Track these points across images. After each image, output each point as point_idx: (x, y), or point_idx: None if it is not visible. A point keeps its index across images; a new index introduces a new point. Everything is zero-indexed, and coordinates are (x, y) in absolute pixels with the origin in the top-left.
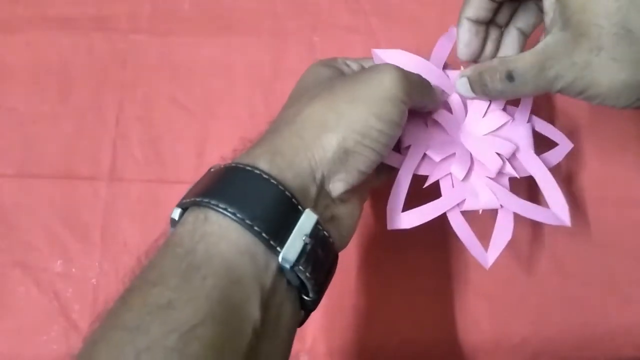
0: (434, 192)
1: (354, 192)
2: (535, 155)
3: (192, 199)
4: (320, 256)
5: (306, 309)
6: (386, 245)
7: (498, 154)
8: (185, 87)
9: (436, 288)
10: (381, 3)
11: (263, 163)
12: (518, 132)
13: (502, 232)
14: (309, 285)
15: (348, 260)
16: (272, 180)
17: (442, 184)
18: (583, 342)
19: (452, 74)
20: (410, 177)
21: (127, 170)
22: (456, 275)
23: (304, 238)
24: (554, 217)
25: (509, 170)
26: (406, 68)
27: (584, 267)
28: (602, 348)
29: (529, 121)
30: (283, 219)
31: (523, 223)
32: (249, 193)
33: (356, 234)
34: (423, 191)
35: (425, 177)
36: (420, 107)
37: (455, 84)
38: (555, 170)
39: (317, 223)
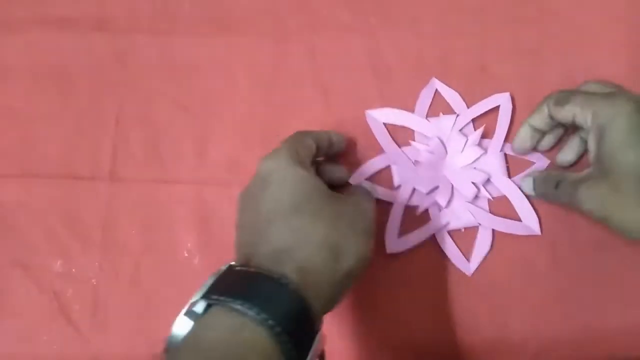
0: (425, 217)
1: None
2: (507, 179)
3: (223, 299)
4: None
5: None
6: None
7: (474, 183)
8: (185, 87)
9: (436, 288)
10: (381, 3)
11: (295, 277)
12: (491, 161)
13: (482, 245)
14: None
15: None
16: (303, 301)
17: (430, 211)
18: (583, 342)
19: (434, 120)
20: (402, 208)
21: (127, 170)
22: (456, 275)
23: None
24: (526, 229)
25: (485, 193)
26: (394, 122)
27: (584, 267)
28: (602, 348)
29: (502, 150)
30: (307, 339)
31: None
32: (282, 307)
33: None
34: (416, 218)
35: (416, 207)
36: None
37: (522, 183)
38: None
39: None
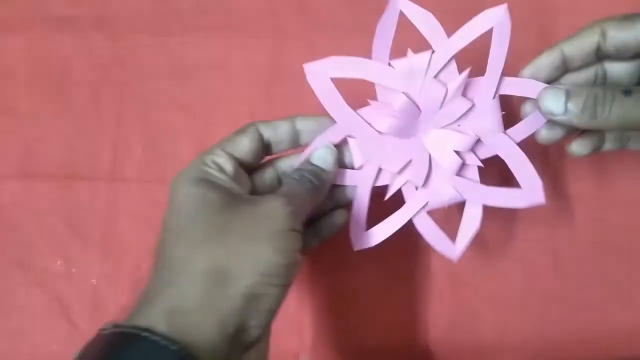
0: (399, 199)
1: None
2: (503, 135)
3: None
4: None
5: None
6: (386, 245)
7: (457, 152)
8: (185, 87)
9: (436, 288)
10: (381, 3)
11: (162, 324)
12: (482, 112)
13: (469, 225)
14: None
15: (348, 260)
16: (173, 347)
17: (404, 191)
18: (583, 342)
19: (399, 63)
20: (368, 193)
21: (127, 170)
22: (456, 275)
23: None
24: (526, 198)
25: (473, 160)
26: (345, 74)
27: (584, 267)
28: (602, 348)
29: (496, 94)
30: None
31: (523, 223)
32: None
33: None
34: (386, 202)
35: (385, 188)
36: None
37: (541, 96)
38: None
39: None
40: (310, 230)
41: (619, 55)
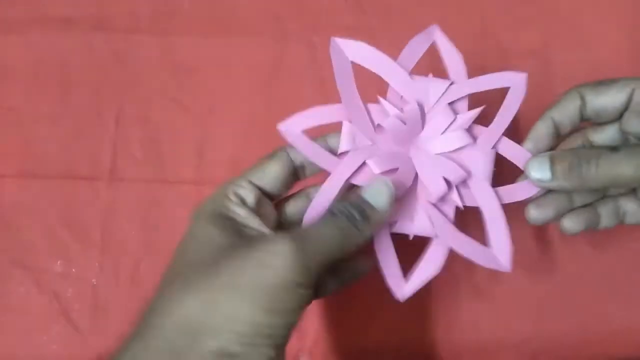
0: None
1: None
2: (488, 186)
3: None
4: None
5: None
6: None
7: (445, 179)
8: (185, 87)
9: (436, 288)
10: (381, 3)
11: None
12: (477, 156)
13: (429, 265)
14: None
15: None
16: None
17: None
18: (583, 342)
19: (419, 79)
20: (341, 184)
21: (127, 170)
22: (456, 275)
23: None
24: (492, 260)
25: (455, 198)
26: (366, 65)
27: (584, 267)
28: (602, 348)
29: (495, 146)
30: None
31: (522, 222)
32: None
33: None
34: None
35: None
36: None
37: (527, 167)
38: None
39: None
40: (329, 273)
41: (600, 119)
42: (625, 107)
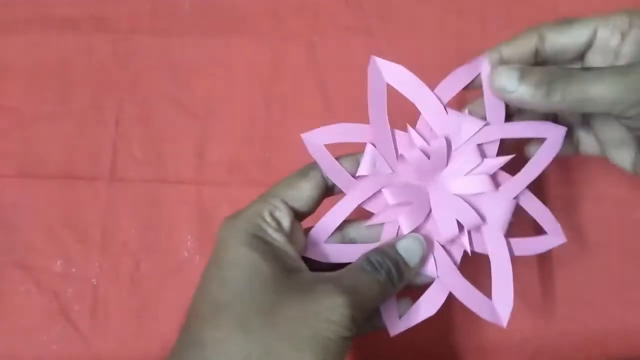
0: (375, 232)
1: None
2: (501, 237)
3: None
4: None
5: None
6: None
7: (459, 221)
8: (185, 87)
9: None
10: (381, 3)
11: None
12: (496, 205)
13: (427, 305)
14: None
15: None
16: None
17: (385, 228)
18: (583, 342)
19: (453, 114)
20: (353, 207)
21: (127, 170)
22: None
23: None
24: (490, 312)
25: (465, 242)
26: (402, 90)
27: (584, 267)
28: (602, 348)
29: (517, 197)
30: None
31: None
32: None
33: None
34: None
35: (370, 215)
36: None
37: (493, 74)
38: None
39: None
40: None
41: (558, 59)
42: (587, 47)
